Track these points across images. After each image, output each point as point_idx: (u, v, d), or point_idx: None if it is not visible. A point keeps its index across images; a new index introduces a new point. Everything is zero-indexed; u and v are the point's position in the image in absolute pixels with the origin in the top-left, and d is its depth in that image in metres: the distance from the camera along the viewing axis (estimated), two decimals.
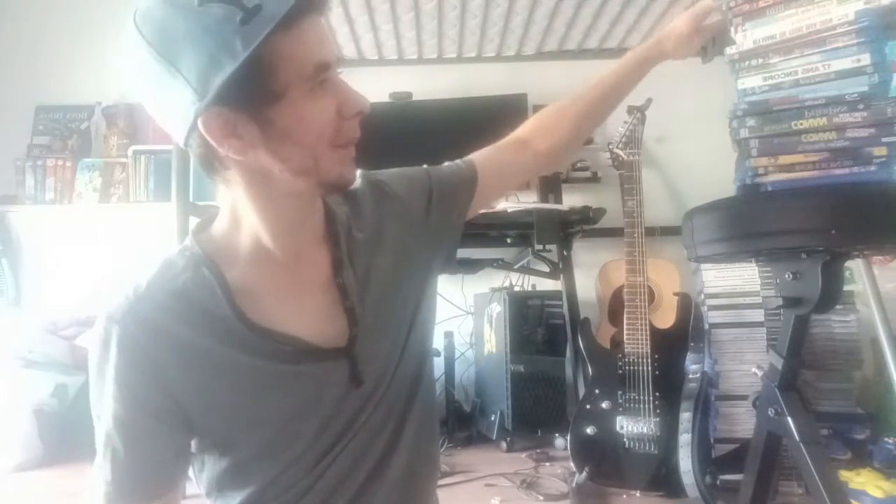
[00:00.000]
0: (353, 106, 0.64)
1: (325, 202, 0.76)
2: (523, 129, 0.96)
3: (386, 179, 0.84)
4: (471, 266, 2.55)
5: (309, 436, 0.70)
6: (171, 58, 0.56)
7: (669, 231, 2.31)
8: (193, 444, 0.70)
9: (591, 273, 2.29)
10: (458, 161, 0.91)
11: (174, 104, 0.58)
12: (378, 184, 0.83)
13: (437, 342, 2.53)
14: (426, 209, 0.83)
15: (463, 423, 2.41)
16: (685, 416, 1.76)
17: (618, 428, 1.80)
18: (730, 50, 1.22)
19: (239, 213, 0.69)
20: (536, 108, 2.81)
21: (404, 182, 0.85)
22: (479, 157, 0.91)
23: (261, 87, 0.58)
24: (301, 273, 0.72)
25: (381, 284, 0.77)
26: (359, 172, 0.76)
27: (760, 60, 1.19)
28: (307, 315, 0.72)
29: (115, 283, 0.68)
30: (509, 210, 2.19)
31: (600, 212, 2.22)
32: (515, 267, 2.53)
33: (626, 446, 1.79)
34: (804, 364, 1.75)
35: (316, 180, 0.65)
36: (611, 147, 2.29)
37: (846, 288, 1.87)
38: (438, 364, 2.48)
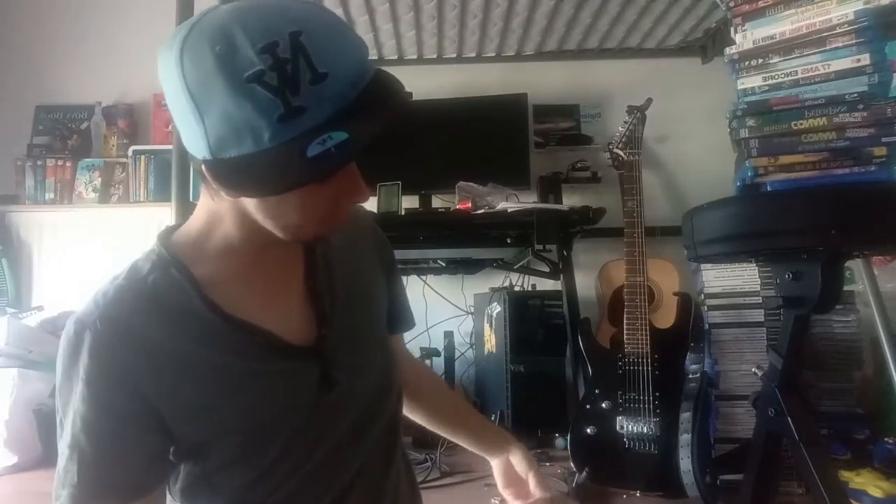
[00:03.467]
0: (352, 199, 0.65)
1: None
2: (413, 369, 1.00)
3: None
4: (471, 266, 2.55)
5: (282, 443, 0.69)
6: (202, 108, 0.55)
7: (669, 231, 2.31)
8: (171, 453, 0.69)
9: (591, 273, 2.29)
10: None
11: (190, 133, 0.58)
12: (371, 219, 0.89)
13: (437, 342, 2.53)
14: (381, 252, 0.88)
15: None
16: (685, 416, 1.76)
17: (618, 428, 1.81)
18: (729, 50, 1.22)
19: (218, 217, 0.68)
20: (536, 108, 2.82)
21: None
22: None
23: (269, 175, 0.57)
24: (274, 272, 0.72)
25: (352, 295, 0.77)
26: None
27: (760, 60, 1.19)
28: (278, 312, 0.71)
29: (85, 293, 0.68)
30: (509, 210, 2.19)
31: (600, 212, 2.22)
32: (515, 267, 2.53)
33: (626, 446, 1.79)
34: (804, 364, 1.76)
35: (294, 238, 0.66)
36: (611, 147, 2.30)
37: (846, 288, 1.87)
38: (438, 364, 2.48)
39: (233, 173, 0.57)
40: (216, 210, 0.67)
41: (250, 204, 0.63)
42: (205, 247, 0.69)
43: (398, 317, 0.91)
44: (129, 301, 0.65)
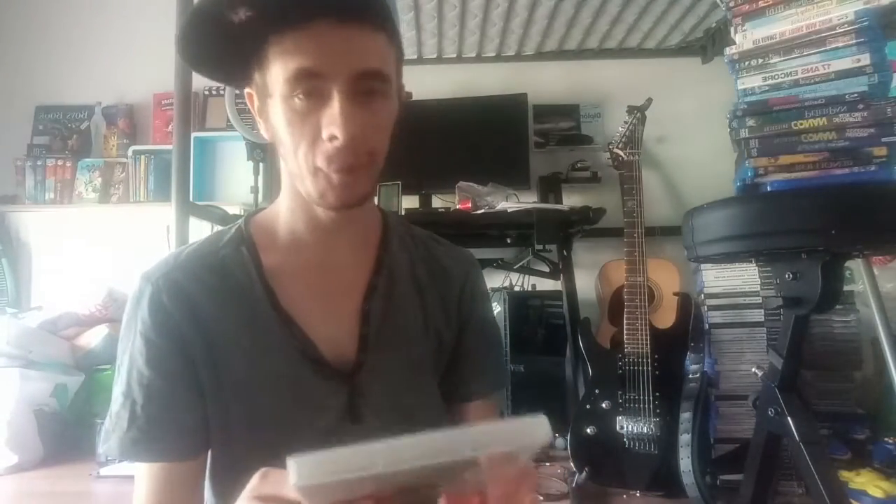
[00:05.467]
0: (328, 126, 0.60)
1: (387, 231, 0.78)
2: None
3: (481, 284, 0.86)
4: None
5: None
6: None
7: (669, 231, 2.31)
8: None
9: (591, 273, 2.29)
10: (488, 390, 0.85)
11: None
12: (471, 268, 0.84)
13: None
14: (460, 303, 0.82)
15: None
16: (685, 416, 1.76)
17: (618, 428, 1.80)
18: (729, 50, 1.22)
19: (282, 194, 0.72)
20: (536, 108, 2.81)
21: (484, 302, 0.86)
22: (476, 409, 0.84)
23: (259, 79, 0.64)
24: (336, 282, 0.72)
25: (403, 331, 0.75)
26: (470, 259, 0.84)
27: (760, 60, 1.19)
28: (328, 324, 0.70)
29: (117, 282, 0.69)
30: (509, 210, 2.19)
31: (600, 212, 2.22)
32: (515, 267, 2.53)
33: (626, 446, 1.79)
34: (804, 364, 1.75)
35: (303, 192, 0.66)
36: (611, 147, 2.29)
37: (846, 288, 1.87)
38: None
39: (250, 84, 0.67)
40: (281, 190, 0.72)
41: (272, 136, 0.66)
42: (276, 234, 0.72)
43: (472, 378, 0.82)
44: (195, 269, 0.69)
